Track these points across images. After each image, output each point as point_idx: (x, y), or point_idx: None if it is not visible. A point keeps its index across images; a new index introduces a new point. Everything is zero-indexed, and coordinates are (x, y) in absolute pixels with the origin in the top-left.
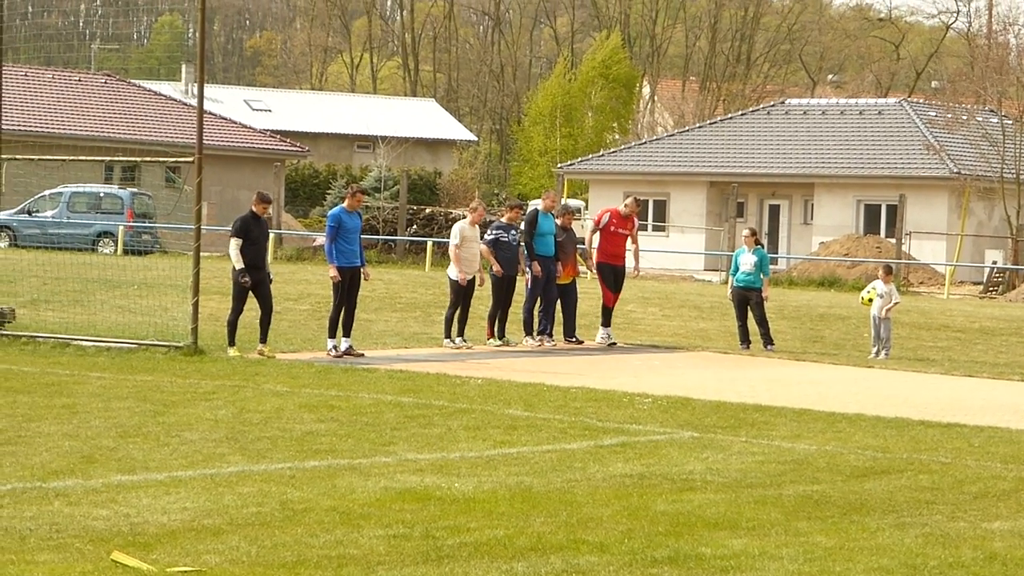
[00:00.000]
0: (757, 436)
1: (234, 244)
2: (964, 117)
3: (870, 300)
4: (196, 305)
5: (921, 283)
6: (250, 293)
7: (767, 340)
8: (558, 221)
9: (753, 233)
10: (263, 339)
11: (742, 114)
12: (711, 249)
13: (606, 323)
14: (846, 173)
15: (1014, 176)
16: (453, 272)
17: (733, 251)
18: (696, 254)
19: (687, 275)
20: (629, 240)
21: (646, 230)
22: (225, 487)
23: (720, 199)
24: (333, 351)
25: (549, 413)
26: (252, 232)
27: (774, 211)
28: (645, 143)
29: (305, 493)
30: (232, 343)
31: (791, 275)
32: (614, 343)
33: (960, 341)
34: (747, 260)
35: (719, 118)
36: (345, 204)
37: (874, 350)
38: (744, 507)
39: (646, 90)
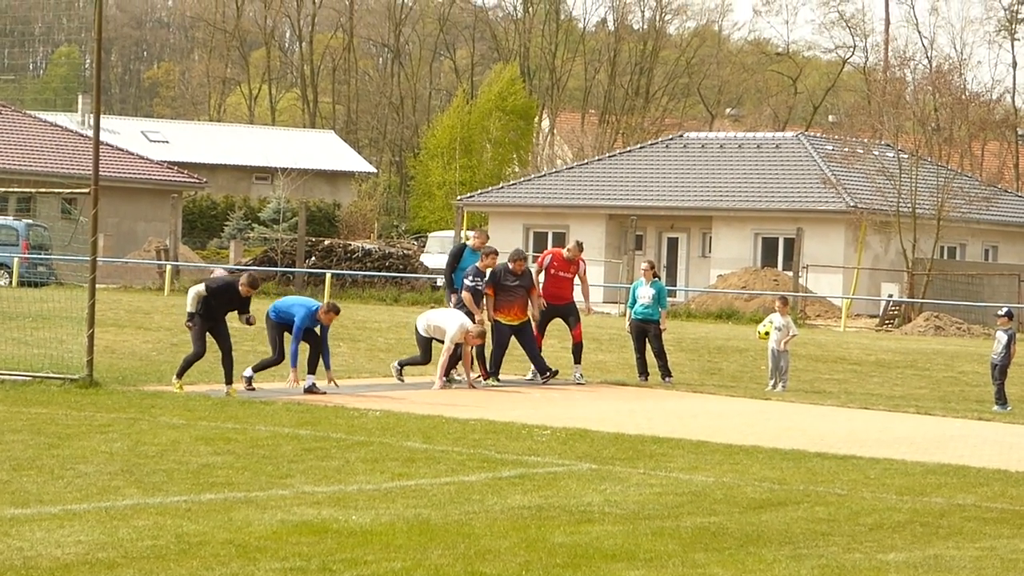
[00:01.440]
0: (655, 468)
1: (195, 292)
2: (861, 151)
3: (767, 333)
4: (91, 337)
5: (818, 316)
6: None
7: (665, 372)
8: (510, 265)
9: (651, 266)
10: (228, 379)
11: (641, 147)
12: (610, 281)
13: (576, 360)
14: (744, 206)
15: (910, 210)
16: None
17: (631, 283)
18: (595, 286)
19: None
20: (577, 278)
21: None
22: (120, 520)
23: (619, 232)
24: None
25: (448, 445)
26: (224, 301)
27: (673, 244)
28: (545, 175)
29: (201, 526)
30: (179, 376)
31: (689, 307)
32: (582, 383)
33: (856, 373)
34: (645, 292)
35: (618, 151)
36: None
37: (771, 382)
38: (642, 539)
39: (545, 123)
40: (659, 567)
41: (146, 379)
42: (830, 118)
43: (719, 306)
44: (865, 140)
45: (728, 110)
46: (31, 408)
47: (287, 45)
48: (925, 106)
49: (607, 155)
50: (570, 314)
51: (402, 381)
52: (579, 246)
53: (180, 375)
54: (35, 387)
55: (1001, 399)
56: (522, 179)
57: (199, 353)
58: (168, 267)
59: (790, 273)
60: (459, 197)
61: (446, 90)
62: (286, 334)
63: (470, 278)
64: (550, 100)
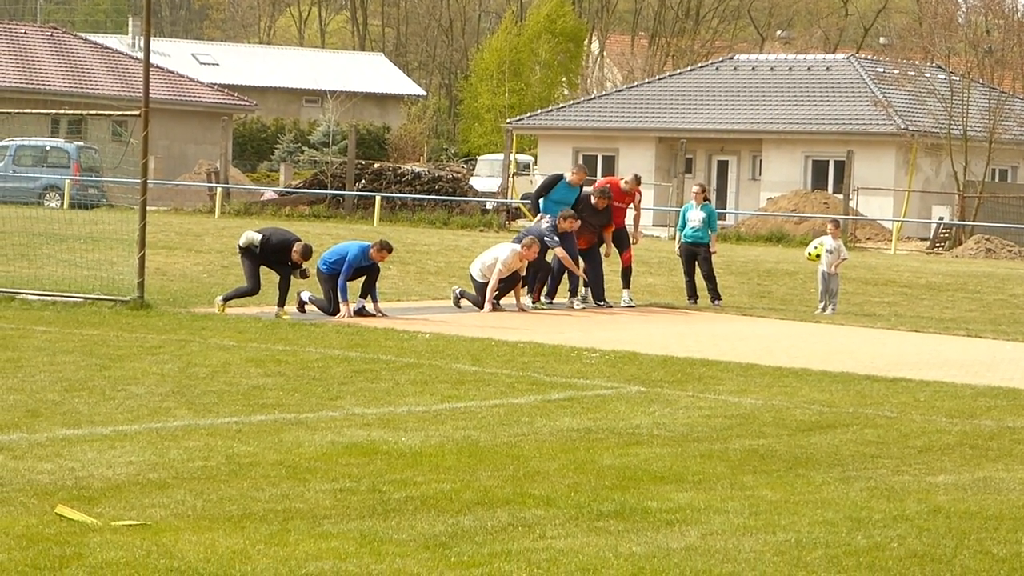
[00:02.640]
0: (704, 391)
1: (248, 237)
2: (912, 73)
3: (817, 255)
4: (142, 259)
5: (868, 239)
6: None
7: (715, 295)
8: (592, 200)
9: (702, 189)
10: (281, 302)
11: (691, 70)
12: (660, 205)
13: (626, 285)
14: (794, 129)
15: (961, 132)
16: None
17: (681, 207)
18: (645, 209)
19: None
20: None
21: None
22: (171, 441)
23: (669, 155)
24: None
25: (497, 368)
26: (276, 258)
27: (722, 167)
28: (594, 99)
29: (251, 447)
30: (224, 300)
31: (739, 231)
32: (632, 305)
33: (907, 297)
34: (695, 216)
35: (668, 74)
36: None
37: (821, 305)
38: (690, 461)
39: (595, 46)
40: (707, 489)
41: (197, 301)
42: (881, 40)
43: (769, 229)
44: (916, 62)
45: (779, 32)
46: (83, 329)
47: None
48: (977, 28)
49: (657, 78)
50: (621, 239)
51: (459, 307)
52: (636, 179)
53: (226, 300)
54: (87, 309)
55: None
56: (571, 102)
57: (253, 289)
58: (219, 190)
59: (840, 196)
60: (508, 120)
61: (495, 12)
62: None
63: (551, 237)
64: (600, 22)
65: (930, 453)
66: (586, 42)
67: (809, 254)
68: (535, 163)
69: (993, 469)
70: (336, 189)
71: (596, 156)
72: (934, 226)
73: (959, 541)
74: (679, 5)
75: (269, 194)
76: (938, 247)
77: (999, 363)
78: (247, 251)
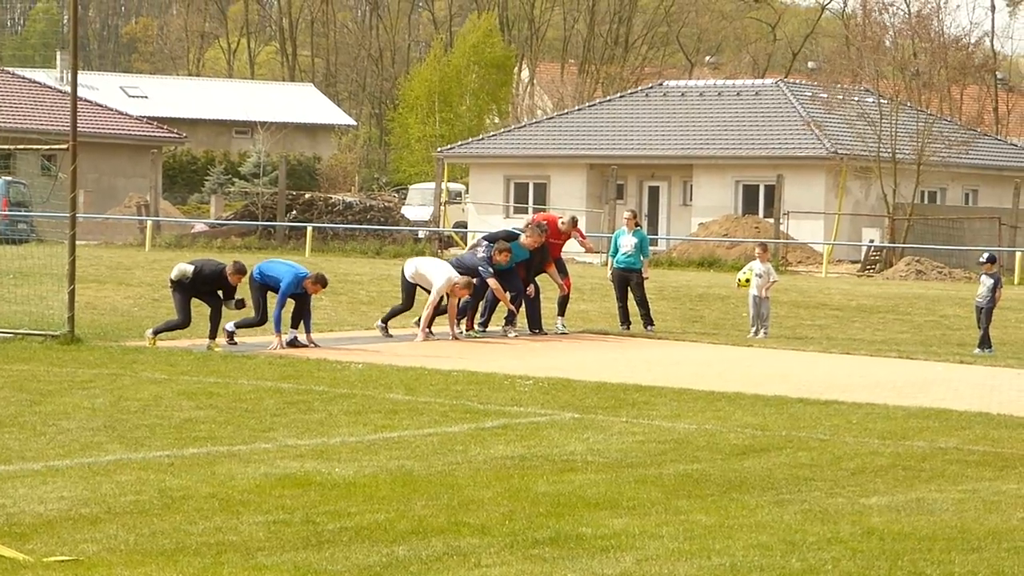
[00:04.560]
0: (638, 416)
1: (181, 270)
2: (841, 97)
3: (747, 281)
4: (72, 293)
5: (799, 262)
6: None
7: (647, 321)
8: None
9: (633, 215)
10: (212, 334)
11: (621, 96)
12: (591, 231)
13: (560, 312)
14: (724, 154)
15: (890, 155)
16: None
17: (613, 233)
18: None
19: (568, 258)
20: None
21: (526, 213)
22: (103, 476)
23: (600, 181)
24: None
25: (430, 396)
26: (209, 287)
27: (653, 193)
28: (525, 126)
29: (184, 481)
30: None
31: (671, 256)
32: (565, 332)
33: (838, 319)
34: (627, 242)
35: (598, 101)
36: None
37: (753, 329)
38: (625, 487)
39: (525, 73)
40: (642, 514)
41: (127, 335)
42: (809, 64)
43: (700, 254)
44: (845, 86)
45: (707, 58)
46: (12, 365)
47: None
48: (904, 51)
49: (587, 105)
50: (560, 268)
51: (389, 336)
52: (573, 221)
53: (156, 332)
54: (16, 344)
55: (985, 343)
56: (502, 130)
57: (184, 323)
58: (149, 223)
59: (771, 220)
60: (439, 149)
61: (425, 42)
62: (269, 295)
63: (484, 267)
64: (529, 50)
65: (863, 475)
66: (516, 70)
67: (739, 281)
68: (467, 191)
69: (926, 490)
70: (267, 220)
71: (528, 183)
72: (864, 249)
73: (893, 563)
74: (608, 32)
75: (200, 226)
76: (868, 269)
77: (930, 384)
78: (178, 284)
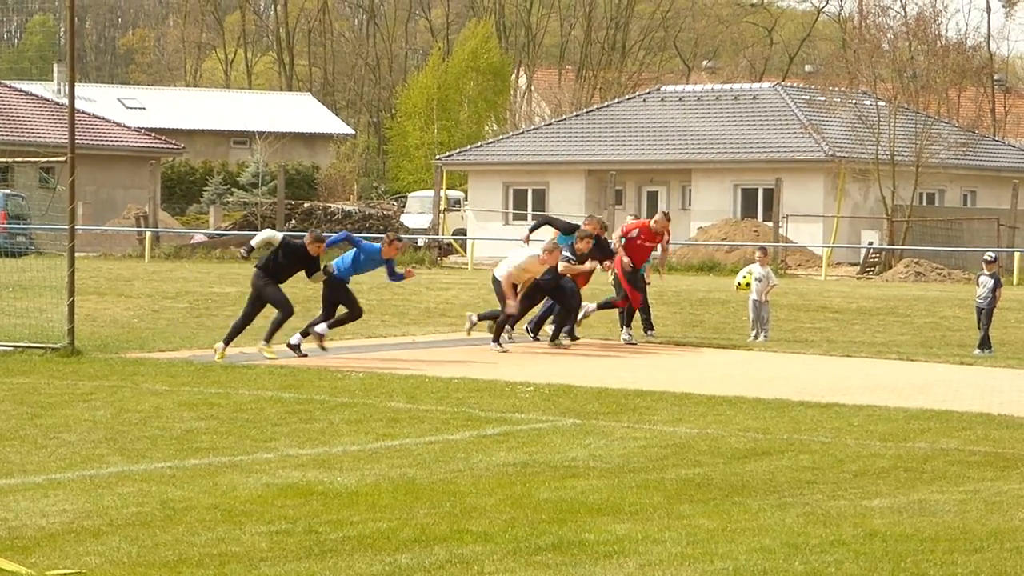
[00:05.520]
0: (639, 421)
1: (267, 235)
2: (838, 100)
3: (746, 284)
4: (72, 306)
5: (799, 265)
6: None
7: (648, 326)
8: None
9: (636, 220)
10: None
11: (618, 102)
12: None
13: (627, 323)
14: (723, 158)
15: (888, 157)
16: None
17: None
18: None
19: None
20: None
21: (525, 219)
22: (104, 488)
23: (598, 187)
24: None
25: (431, 404)
26: (294, 261)
27: (652, 197)
28: (523, 133)
29: (186, 492)
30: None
31: (670, 261)
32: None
33: (838, 322)
34: None
35: (596, 106)
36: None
37: (753, 333)
38: (627, 492)
39: (523, 80)
40: (645, 520)
41: (128, 346)
42: (806, 68)
43: (700, 258)
44: (843, 89)
45: (704, 63)
46: (13, 378)
47: (262, 8)
48: (902, 53)
49: (585, 111)
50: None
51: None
52: (667, 217)
53: (268, 339)
54: (16, 357)
55: (985, 344)
56: (500, 137)
57: (288, 311)
58: (148, 234)
59: (770, 223)
60: (438, 156)
61: (422, 50)
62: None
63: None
64: (526, 57)
65: (865, 477)
66: (513, 76)
67: (738, 284)
68: (466, 198)
69: (928, 491)
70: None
71: (526, 190)
72: (863, 251)
73: (896, 564)
74: (605, 38)
75: (199, 237)
76: (868, 272)
77: (931, 385)
78: (262, 269)
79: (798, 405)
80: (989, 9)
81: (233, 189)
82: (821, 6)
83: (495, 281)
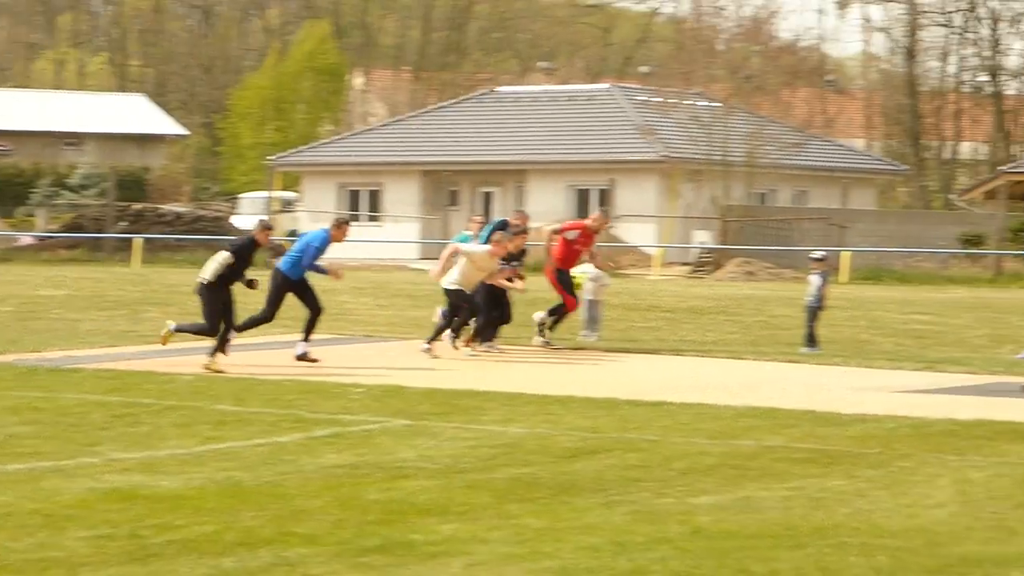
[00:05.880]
0: (469, 421)
1: (220, 261)
2: (673, 101)
3: (579, 285)
4: None
5: (632, 265)
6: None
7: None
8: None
9: (481, 220)
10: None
11: (454, 103)
12: (425, 237)
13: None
14: (557, 159)
15: (721, 158)
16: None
17: (447, 239)
18: (411, 243)
19: (401, 264)
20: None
21: (357, 220)
22: None
23: (433, 188)
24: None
25: (260, 407)
26: (247, 258)
27: (487, 198)
28: (358, 133)
29: (7, 497)
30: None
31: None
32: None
33: (669, 321)
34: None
35: (432, 107)
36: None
37: (584, 332)
38: (455, 492)
39: (359, 80)
40: (472, 519)
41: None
42: (641, 69)
43: (534, 259)
44: (678, 90)
45: (540, 63)
46: None
47: (93, 8)
48: (737, 54)
49: (420, 111)
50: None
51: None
52: (604, 214)
53: (212, 353)
54: None
55: (811, 341)
56: (335, 138)
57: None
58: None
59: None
60: (271, 157)
61: (258, 51)
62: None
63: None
64: (363, 58)
65: (692, 475)
66: (347, 77)
67: (573, 277)
68: (299, 200)
69: (753, 488)
70: (95, 232)
71: (361, 191)
72: (695, 251)
73: (719, 561)
74: (443, 39)
75: (26, 239)
76: (699, 271)
77: (759, 383)
78: (219, 279)
79: (627, 404)
80: (821, 11)
81: (62, 191)
82: (656, 7)
83: (449, 292)
